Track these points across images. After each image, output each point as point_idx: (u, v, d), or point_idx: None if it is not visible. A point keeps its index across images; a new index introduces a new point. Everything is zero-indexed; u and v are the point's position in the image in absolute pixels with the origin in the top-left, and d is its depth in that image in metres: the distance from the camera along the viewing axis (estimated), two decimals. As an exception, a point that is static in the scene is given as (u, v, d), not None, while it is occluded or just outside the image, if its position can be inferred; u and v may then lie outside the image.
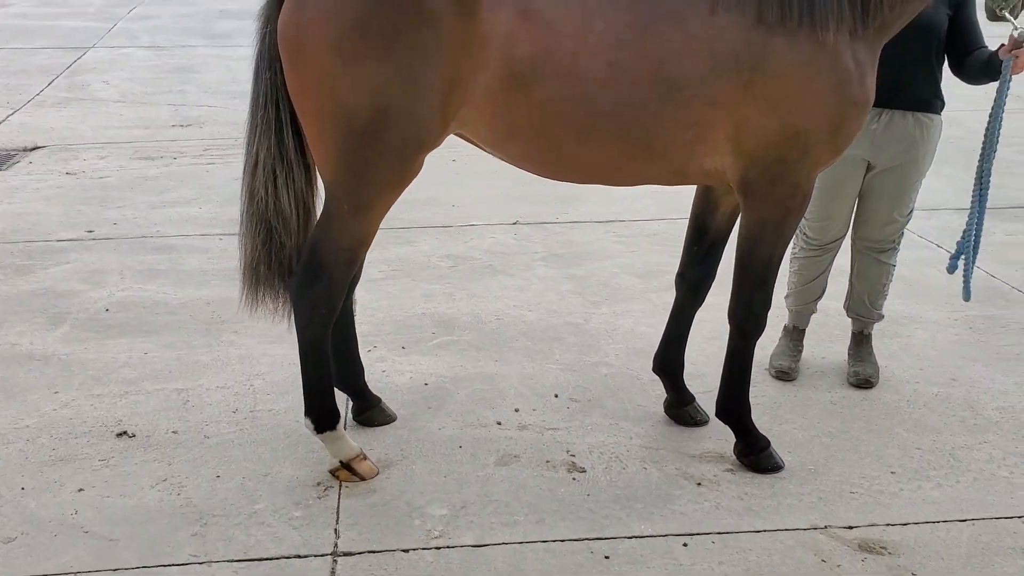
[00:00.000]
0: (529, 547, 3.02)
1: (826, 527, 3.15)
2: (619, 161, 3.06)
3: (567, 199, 6.35)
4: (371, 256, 5.30)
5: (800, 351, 4.18)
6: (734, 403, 3.44)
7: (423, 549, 3.00)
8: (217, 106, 8.78)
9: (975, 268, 3.71)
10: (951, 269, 3.69)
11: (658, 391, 3.92)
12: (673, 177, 3.18)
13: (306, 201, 3.13)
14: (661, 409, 3.81)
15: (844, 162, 3.58)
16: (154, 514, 3.15)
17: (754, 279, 3.26)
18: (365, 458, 3.37)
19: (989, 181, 3.52)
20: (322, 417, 3.29)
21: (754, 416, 3.58)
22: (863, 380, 4.04)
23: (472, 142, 3.17)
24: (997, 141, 3.49)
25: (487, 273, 5.21)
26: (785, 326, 4.23)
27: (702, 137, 3.01)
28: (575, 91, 2.87)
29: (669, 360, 3.71)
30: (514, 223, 6.09)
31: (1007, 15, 3.25)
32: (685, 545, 3.04)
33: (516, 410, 3.82)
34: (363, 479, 3.33)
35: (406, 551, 2.99)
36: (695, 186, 3.47)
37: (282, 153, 3.02)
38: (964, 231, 3.60)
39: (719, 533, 3.10)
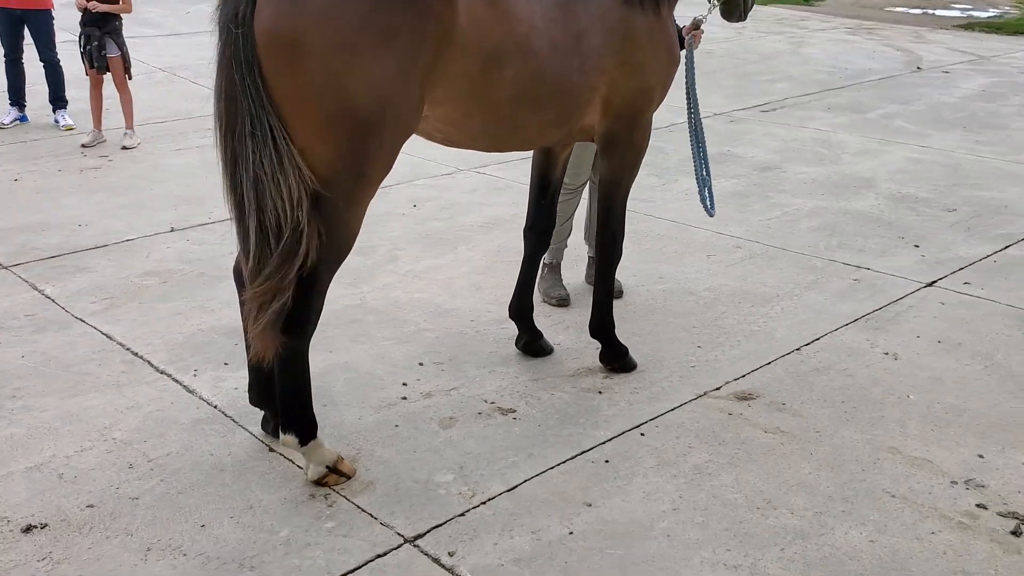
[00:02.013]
0: (549, 475, 3.38)
1: (704, 393, 4.01)
2: (549, 127, 3.48)
3: (201, 200, 6.23)
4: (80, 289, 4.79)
5: (562, 281, 4.96)
6: (606, 320, 4.10)
7: (475, 508, 3.18)
8: None
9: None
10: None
11: (490, 337, 4.42)
12: (567, 137, 3.70)
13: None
14: (509, 351, 4.30)
15: None
16: (182, 581, 2.82)
17: (618, 214, 3.94)
18: (342, 457, 3.34)
19: (703, 132, 4.38)
20: (305, 427, 3.20)
21: (565, 336, 4.33)
22: (618, 292, 4.95)
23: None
24: (696, 98, 4.43)
25: (212, 281, 5.00)
26: (546, 263, 4.96)
27: (591, 100, 3.58)
28: (531, 66, 3.23)
29: (524, 306, 4.21)
30: (170, 230, 5.82)
31: (712, 2, 4.23)
32: (643, 435, 3.67)
33: (404, 384, 3.99)
34: (349, 477, 3.31)
35: (463, 515, 3.14)
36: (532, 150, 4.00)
37: (282, 161, 2.83)
38: (695, 171, 4.36)
39: (651, 419, 3.78)
